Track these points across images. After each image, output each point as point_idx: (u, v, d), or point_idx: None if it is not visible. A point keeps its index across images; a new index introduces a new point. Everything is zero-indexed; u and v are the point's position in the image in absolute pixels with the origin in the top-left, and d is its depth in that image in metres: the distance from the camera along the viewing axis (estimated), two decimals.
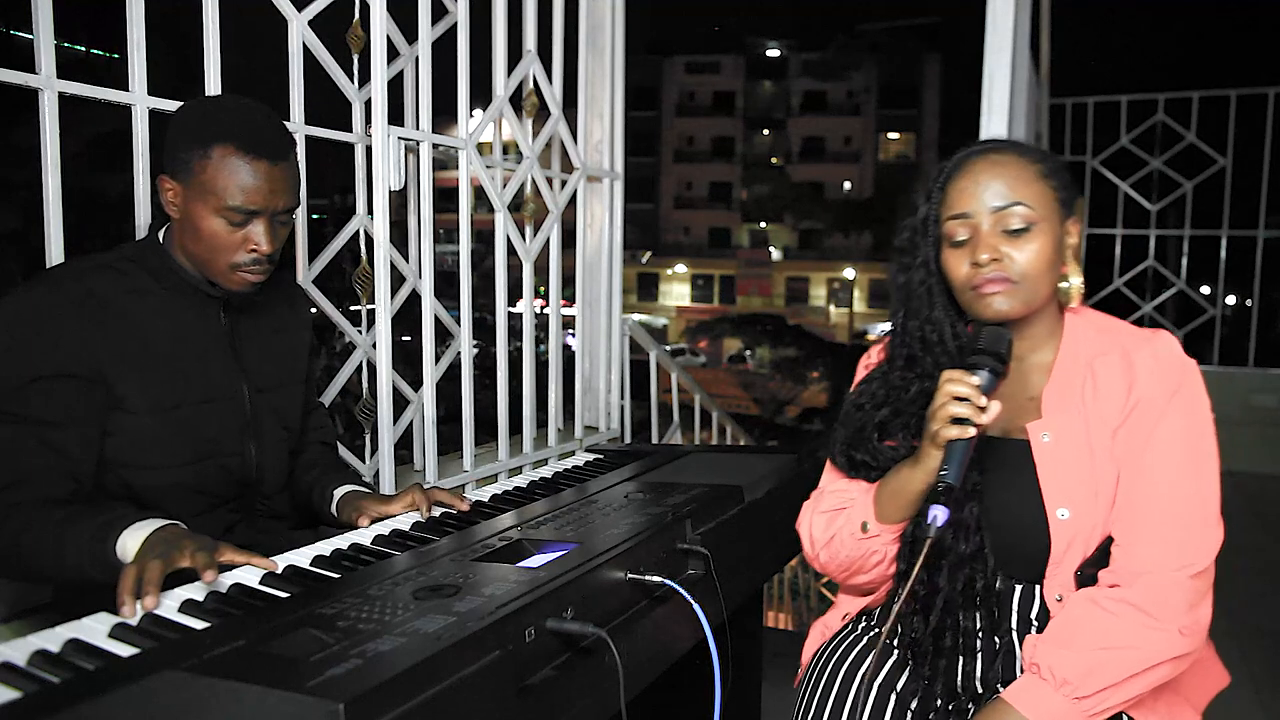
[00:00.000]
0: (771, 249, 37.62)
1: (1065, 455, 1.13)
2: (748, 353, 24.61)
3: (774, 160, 37.88)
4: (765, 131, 38.38)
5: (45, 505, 1.17)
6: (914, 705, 1.19)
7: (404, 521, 1.38)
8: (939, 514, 1.05)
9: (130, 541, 1.12)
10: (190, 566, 1.06)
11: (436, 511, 1.43)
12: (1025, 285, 1.13)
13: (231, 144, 1.23)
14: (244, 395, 1.37)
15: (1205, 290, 6.01)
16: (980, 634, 1.16)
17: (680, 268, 38.28)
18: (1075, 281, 1.20)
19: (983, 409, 1.08)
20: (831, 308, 35.54)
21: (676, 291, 38.49)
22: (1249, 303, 6.06)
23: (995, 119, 2.33)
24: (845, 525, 1.22)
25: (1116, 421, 1.12)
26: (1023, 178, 1.14)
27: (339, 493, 1.47)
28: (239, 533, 1.37)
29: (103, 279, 1.26)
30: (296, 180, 1.31)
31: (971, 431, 1.07)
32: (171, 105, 1.57)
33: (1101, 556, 1.12)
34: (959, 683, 1.17)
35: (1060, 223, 1.16)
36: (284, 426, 1.45)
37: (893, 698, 1.20)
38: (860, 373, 1.33)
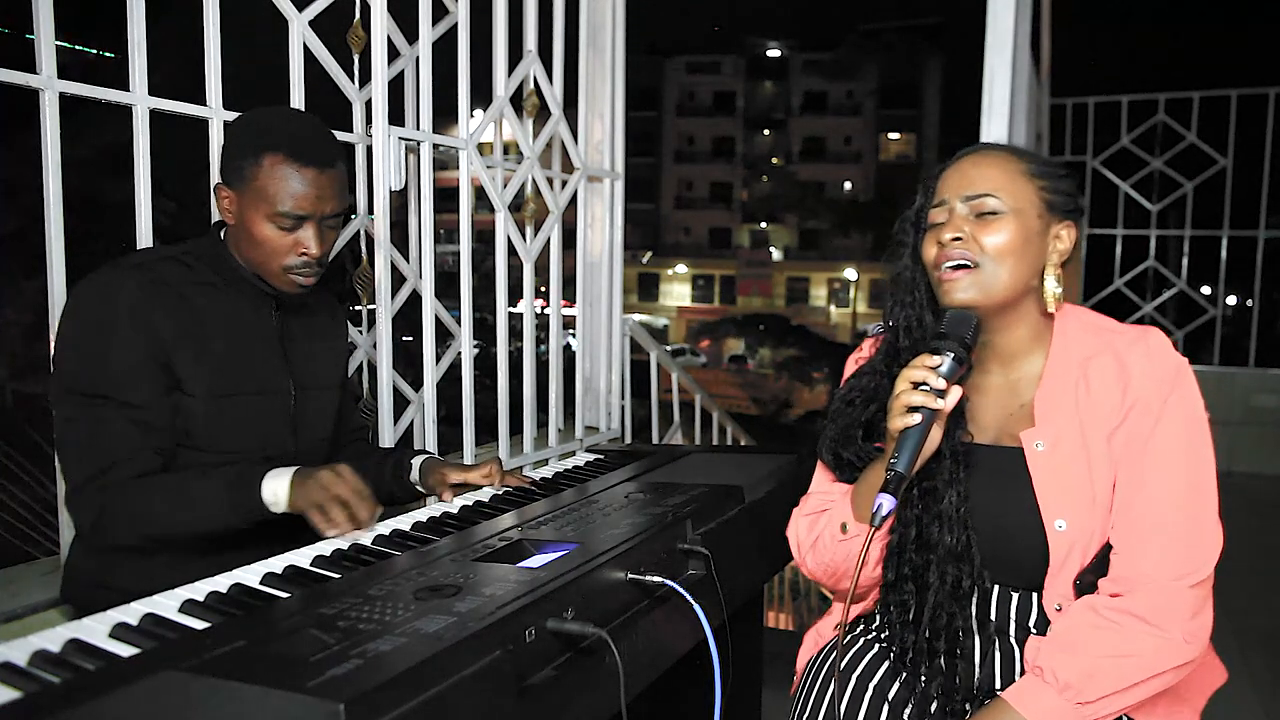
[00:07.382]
0: (772, 249, 37.60)
1: (1061, 463, 1.11)
2: (748, 353, 24.60)
3: (774, 160, 37.86)
4: (766, 131, 38.33)
5: (155, 476, 1.26)
6: (907, 712, 1.17)
7: (404, 521, 1.39)
8: (884, 502, 1.03)
9: (276, 485, 1.24)
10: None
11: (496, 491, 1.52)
12: (986, 269, 1.12)
13: (281, 153, 1.29)
14: (290, 392, 1.44)
15: (1206, 290, 6.02)
16: (976, 636, 1.15)
17: (681, 268, 38.25)
18: (1053, 288, 1.17)
19: (941, 393, 1.06)
20: (832, 308, 35.52)
21: (677, 292, 38.46)
22: (1250, 303, 6.06)
23: (995, 119, 2.33)
24: (826, 527, 1.21)
25: (1112, 424, 1.10)
26: (1006, 172, 1.14)
27: (418, 461, 1.56)
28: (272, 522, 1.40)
29: (170, 269, 1.33)
30: (344, 186, 1.38)
31: (916, 419, 1.06)
32: (172, 106, 1.57)
33: (1100, 563, 1.10)
34: (955, 688, 1.15)
35: (1041, 222, 1.14)
36: (322, 426, 1.52)
37: (886, 705, 1.18)
38: (850, 367, 1.32)
